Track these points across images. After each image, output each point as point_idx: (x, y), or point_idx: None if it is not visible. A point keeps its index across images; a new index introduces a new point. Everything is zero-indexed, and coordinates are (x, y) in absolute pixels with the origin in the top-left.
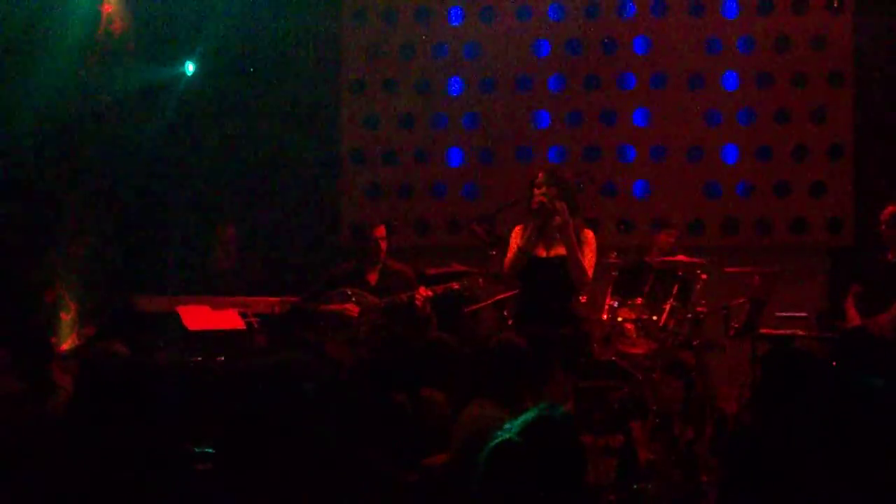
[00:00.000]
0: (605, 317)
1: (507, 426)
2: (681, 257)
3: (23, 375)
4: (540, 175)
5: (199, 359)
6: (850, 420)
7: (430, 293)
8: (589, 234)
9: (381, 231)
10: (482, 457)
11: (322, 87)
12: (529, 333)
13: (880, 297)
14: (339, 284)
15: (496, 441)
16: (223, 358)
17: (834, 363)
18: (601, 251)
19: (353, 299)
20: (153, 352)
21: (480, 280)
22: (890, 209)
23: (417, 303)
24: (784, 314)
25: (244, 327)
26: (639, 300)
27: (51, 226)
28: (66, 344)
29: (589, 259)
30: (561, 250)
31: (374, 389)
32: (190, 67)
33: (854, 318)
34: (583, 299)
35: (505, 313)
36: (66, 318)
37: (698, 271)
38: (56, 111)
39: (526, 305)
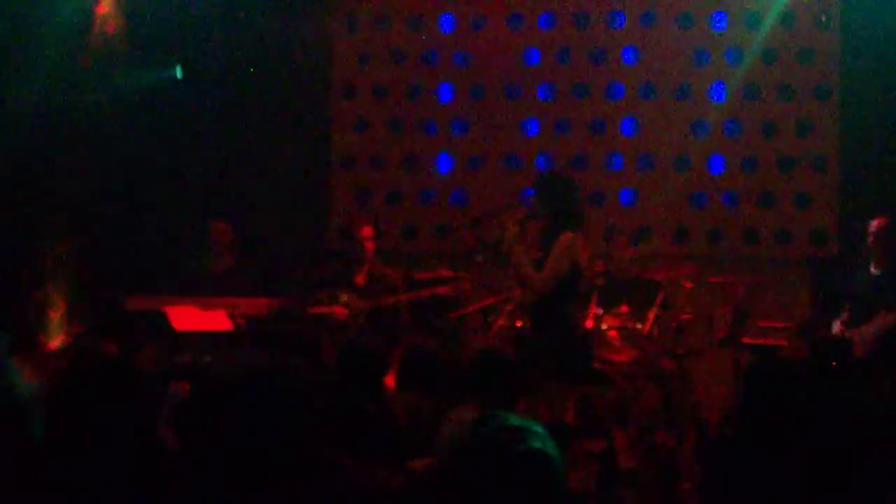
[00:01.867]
0: (589, 324)
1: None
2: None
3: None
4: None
5: (187, 359)
6: (831, 431)
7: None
8: (560, 240)
9: (367, 231)
10: (499, 461)
11: (313, 91)
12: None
13: (864, 310)
14: (328, 286)
15: (521, 447)
16: (209, 358)
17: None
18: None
19: (343, 301)
20: (140, 351)
21: (467, 285)
22: (877, 221)
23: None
24: (767, 324)
25: (232, 328)
26: (623, 308)
27: (41, 224)
28: (56, 341)
29: (548, 266)
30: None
31: (344, 394)
32: (180, 70)
33: (838, 330)
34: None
35: (490, 319)
36: (56, 315)
37: (682, 280)
38: (48, 110)
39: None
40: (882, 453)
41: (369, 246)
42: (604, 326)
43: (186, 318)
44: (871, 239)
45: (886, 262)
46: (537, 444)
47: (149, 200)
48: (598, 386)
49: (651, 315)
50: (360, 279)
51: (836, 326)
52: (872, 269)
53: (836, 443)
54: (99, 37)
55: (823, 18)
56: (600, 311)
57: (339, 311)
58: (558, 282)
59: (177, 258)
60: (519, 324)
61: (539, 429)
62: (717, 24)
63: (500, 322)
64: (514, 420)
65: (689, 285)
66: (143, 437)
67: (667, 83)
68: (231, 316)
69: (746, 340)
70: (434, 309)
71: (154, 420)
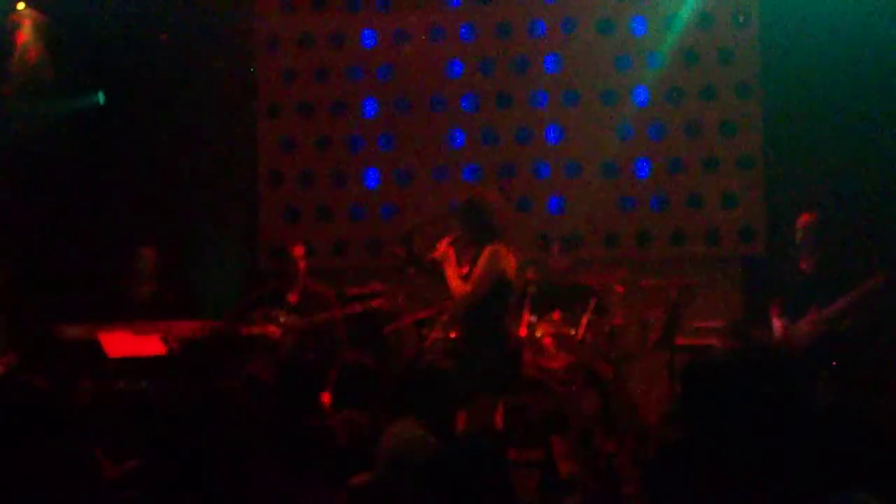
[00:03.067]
0: (523, 332)
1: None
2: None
3: None
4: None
5: (121, 385)
6: (770, 428)
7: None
8: (483, 254)
9: (299, 251)
10: (414, 473)
11: (238, 112)
12: (454, 352)
13: (796, 307)
14: (261, 305)
15: (430, 458)
16: (145, 384)
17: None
18: (520, 268)
19: (278, 320)
20: (74, 380)
21: (400, 298)
22: (805, 217)
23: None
24: (700, 324)
25: (166, 353)
26: (556, 315)
27: None
28: None
29: (472, 279)
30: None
31: (281, 413)
32: (102, 96)
33: (779, 328)
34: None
35: (424, 331)
36: None
37: (614, 284)
38: None
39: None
40: (822, 450)
41: (301, 265)
42: (538, 333)
43: (120, 344)
44: (799, 235)
45: (815, 257)
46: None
47: (79, 227)
48: (534, 394)
49: (584, 321)
50: (294, 297)
51: (776, 323)
52: (802, 265)
53: (776, 441)
54: (23, 65)
55: (741, 18)
56: (534, 319)
57: (273, 331)
58: (486, 293)
59: (104, 286)
60: (453, 335)
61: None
62: (637, 29)
63: (435, 334)
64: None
65: (620, 289)
66: (79, 468)
67: (590, 89)
68: (164, 340)
69: (681, 342)
70: (368, 324)
71: (89, 450)
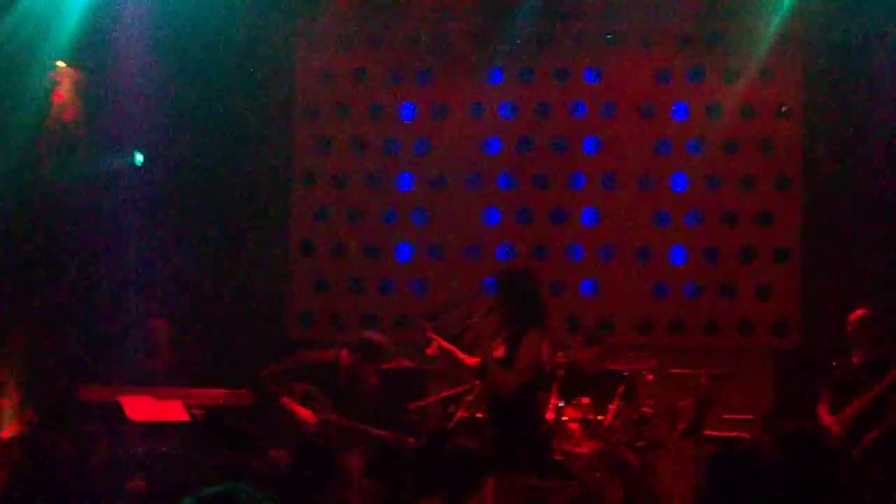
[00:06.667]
0: (550, 416)
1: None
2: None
3: None
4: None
5: (141, 450)
6: None
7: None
8: (528, 339)
9: (345, 356)
10: None
11: (273, 179)
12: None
13: (847, 400)
14: (306, 378)
15: None
16: (165, 450)
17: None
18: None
19: (316, 407)
20: (95, 442)
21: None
22: (858, 313)
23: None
24: (730, 416)
25: (188, 419)
26: (584, 400)
27: None
28: (8, 431)
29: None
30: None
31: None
32: (139, 157)
33: (829, 420)
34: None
35: (450, 409)
36: (8, 405)
37: (644, 372)
38: (3, 198)
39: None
40: None
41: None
42: (565, 418)
43: (141, 407)
44: (851, 329)
45: (868, 351)
46: None
47: (106, 289)
48: (559, 478)
49: (613, 407)
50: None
51: (824, 412)
52: (855, 360)
53: None
54: (59, 124)
55: (784, 108)
56: (561, 403)
57: (307, 417)
58: (531, 381)
59: (123, 353)
60: (479, 416)
61: None
62: (679, 115)
63: (461, 413)
64: None
65: (650, 377)
66: None
67: (628, 173)
68: (187, 406)
69: (709, 432)
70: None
71: None
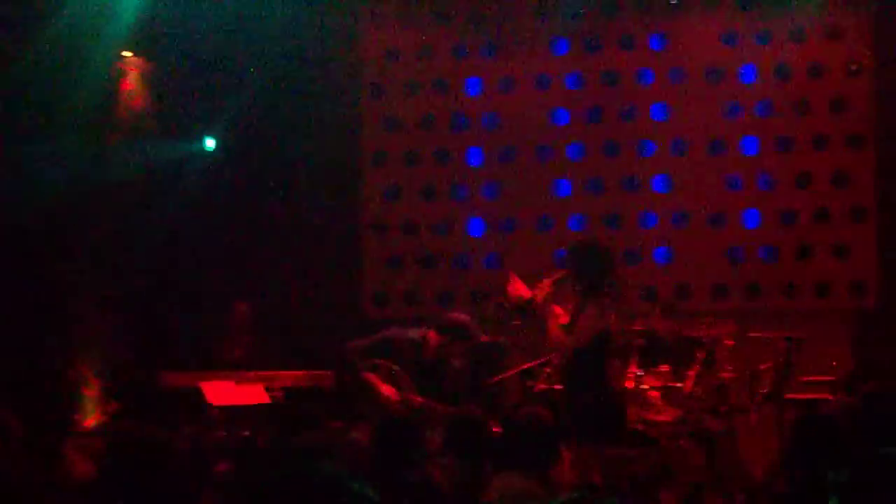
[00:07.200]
0: (630, 385)
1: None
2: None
3: (37, 452)
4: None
5: (223, 434)
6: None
7: None
8: (588, 309)
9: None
10: None
11: (344, 159)
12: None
13: None
14: (389, 357)
15: None
16: (248, 433)
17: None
18: (626, 318)
19: (400, 385)
20: (177, 429)
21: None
22: None
23: None
24: (810, 378)
25: (270, 402)
26: (664, 367)
27: (69, 303)
28: (91, 420)
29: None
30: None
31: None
32: (210, 143)
33: None
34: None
35: (528, 383)
36: (90, 394)
37: (723, 337)
38: (76, 188)
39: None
40: None
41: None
42: (644, 386)
43: (222, 392)
44: None
45: None
46: None
47: (183, 276)
48: (640, 447)
49: (692, 374)
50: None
51: None
52: None
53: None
54: (128, 112)
55: (854, 66)
56: (640, 372)
57: (389, 393)
58: (586, 348)
59: (200, 339)
60: (557, 387)
61: None
62: (747, 77)
63: (540, 385)
64: None
65: (729, 342)
66: None
67: (698, 138)
68: (268, 389)
69: (790, 396)
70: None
71: (195, 499)
